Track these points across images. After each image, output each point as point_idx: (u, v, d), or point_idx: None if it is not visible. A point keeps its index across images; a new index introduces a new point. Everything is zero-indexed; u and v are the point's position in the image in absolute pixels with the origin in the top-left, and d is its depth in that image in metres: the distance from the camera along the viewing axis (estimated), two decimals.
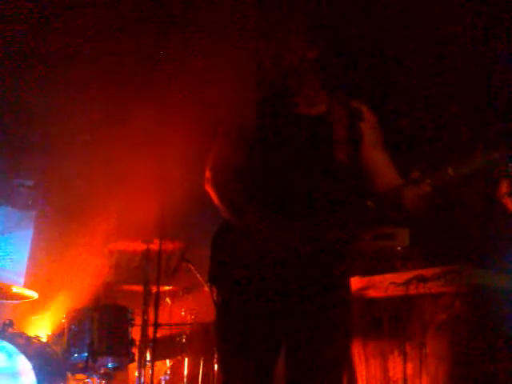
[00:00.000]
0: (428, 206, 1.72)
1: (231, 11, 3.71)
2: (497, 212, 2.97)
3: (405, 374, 2.39)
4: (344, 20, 3.50)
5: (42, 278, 4.12)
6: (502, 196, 2.92)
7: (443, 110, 3.73)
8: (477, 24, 3.47)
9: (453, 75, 3.67)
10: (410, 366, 2.41)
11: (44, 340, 3.66)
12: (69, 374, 3.47)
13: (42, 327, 4.03)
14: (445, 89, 3.71)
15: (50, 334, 3.89)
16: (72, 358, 3.43)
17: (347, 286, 1.90)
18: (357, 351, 2.67)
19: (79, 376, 3.51)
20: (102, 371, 3.45)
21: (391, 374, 2.53)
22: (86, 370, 3.40)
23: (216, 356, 3.45)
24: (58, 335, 3.66)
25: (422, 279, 2.53)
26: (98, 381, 3.45)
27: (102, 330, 3.45)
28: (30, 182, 4.27)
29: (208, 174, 1.91)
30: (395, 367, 2.50)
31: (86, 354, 3.37)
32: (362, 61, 3.68)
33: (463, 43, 3.56)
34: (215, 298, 1.91)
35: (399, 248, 3.39)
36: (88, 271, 4.16)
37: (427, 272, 2.56)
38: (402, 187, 1.73)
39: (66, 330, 3.50)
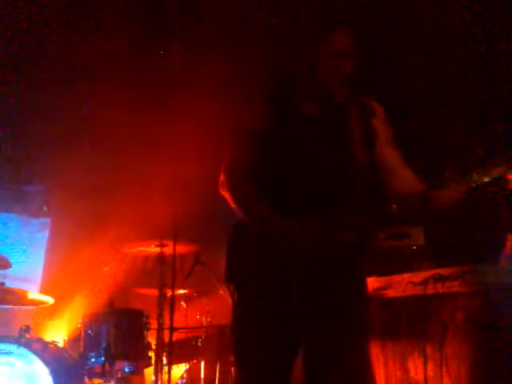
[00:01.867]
0: (455, 208, 1.71)
1: (239, 12, 3.72)
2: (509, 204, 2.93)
3: (425, 375, 2.36)
4: (355, 17, 3.49)
5: (57, 283, 4.14)
6: (509, 183, 2.88)
7: (460, 114, 3.70)
8: (478, 24, 3.43)
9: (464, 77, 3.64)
10: (430, 366, 2.38)
11: (60, 345, 3.67)
12: (86, 379, 3.48)
13: (59, 332, 4.05)
14: (459, 93, 3.69)
15: (66, 339, 3.91)
16: (89, 362, 3.44)
17: (365, 285, 1.88)
18: (376, 352, 2.65)
19: (96, 380, 3.51)
20: (119, 375, 3.45)
21: (412, 374, 2.50)
22: (103, 374, 3.39)
23: (232, 358, 3.44)
24: (74, 340, 3.67)
25: (440, 278, 2.50)
26: None
27: (118, 334, 3.46)
28: (42, 188, 4.29)
29: (223, 177, 1.91)
30: (416, 368, 2.47)
31: (102, 359, 3.37)
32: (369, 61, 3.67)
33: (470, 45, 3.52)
34: (232, 297, 1.91)
35: (414, 247, 3.36)
36: (103, 275, 4.18)
37: (445, 271, 2.53)
38: (433, 191, 1.72)
39: (82, 335, 3.51)
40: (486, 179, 1.67)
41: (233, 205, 1.88)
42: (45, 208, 4.31)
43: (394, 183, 1.85)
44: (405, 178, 1.84)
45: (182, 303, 4.12)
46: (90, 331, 3.48)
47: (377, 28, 3.66)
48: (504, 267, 2.45)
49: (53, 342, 3.57)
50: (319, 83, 1.86)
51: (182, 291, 3.94)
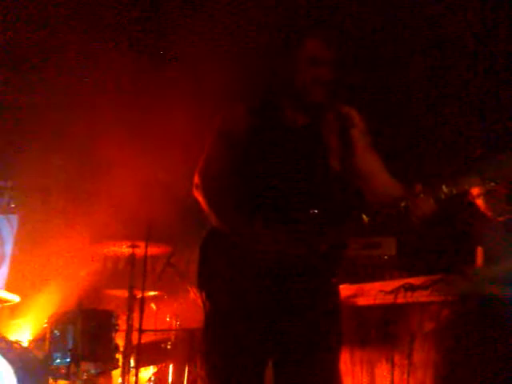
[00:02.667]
0: (429, 219, 1.73)
1: (226, 19, 3.72)
2: (478, 218, 3.00)
3: (392, 382, 2.39)
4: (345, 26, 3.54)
5: (23, 281, 4.05)
6: (474, 198, 2.95)
7: (444, 119, 3.78)
8: (477, 24, 3.50)
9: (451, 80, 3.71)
10: (397, 374, 2.41)
11: (25, 345, 3.59)
12: (51, 380, 3.41)
13: (23, 332, 3.96)
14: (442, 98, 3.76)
15: (31, 338, 3.82)
16: (54, 363, 3.38)
17: (337, 294, 1.89)
18: (344, 358, 2.67)
19: (61, 382, 3.44)
20: (85, 377, 3.39)
21: (378, 382, 2.53)
22: (69, 375, 3.34)
23: (201, 362, 3.42)
24: (39, 340, 3.59)
25: (410, 288, 2.54)
26: None
27: (86, 335, 3.40)
28: (9, 184, 4.20)
29: (197, 179, 1.90)
30: (383, 375, 2.50)
31: (68, 360, 3.32)
32: (362, 64, 3.72)
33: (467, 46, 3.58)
34: (204, 304, 1.89)
35: (386, 257, 3.41)
36: (72, 275, 4.10)
37: (415, 281, 2.57)
38: (402, 201, 1.73)
39: (47, 335, 3.44)
40: (456, 192, 1.70)
41: (205, 208, 1.87)
42: (12, 204, 4.21)
43: (373, 190, 1.86)
44: (384, 184, 1.85)
45: (152, 305, 4.08)
46: (56, 331, 3.41)
47: (376, 28, 3.71)
48: (473, 278, 2.51)
49: (17, 342, 3.49)
50: (297, 91, 1.87)
51: (152, 293, 3.90)
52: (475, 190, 2.94)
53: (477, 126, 3.55)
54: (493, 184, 1.68)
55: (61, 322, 3.44)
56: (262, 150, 1.85)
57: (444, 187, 1.70)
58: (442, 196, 1.71)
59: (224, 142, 1.90)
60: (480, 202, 2.93)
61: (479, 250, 3.02)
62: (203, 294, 1.87)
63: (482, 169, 1.68)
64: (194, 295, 3.75)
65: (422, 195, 1.71)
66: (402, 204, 1.72)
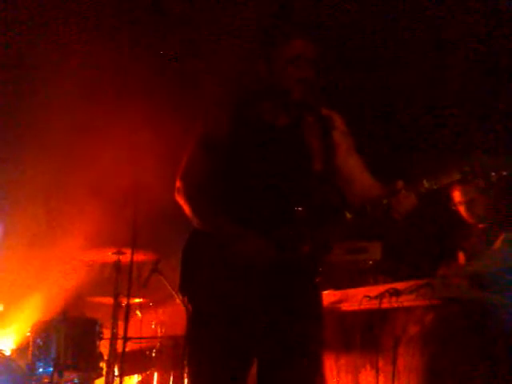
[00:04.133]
0: (411, 215, 1.73)
1: (200, 19, 3.72)
2: (458, 223, 3.02)
3: None
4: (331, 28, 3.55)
5: (7, 289, 3.99)
6: (456, 205, 2.97)
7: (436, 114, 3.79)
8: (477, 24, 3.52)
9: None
10: (381, 379, 2.40)
11: (7, 353, 3.53)
12: None
13: (6, 341, 3.90)
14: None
15: (14, 347, 3.76)
16: (37, 372, 3.33)
17: (320, 299, 1.88)
18: (329, 364, 2.65)
19: None
20: None
21: None
22: None
23: (186, 370, 3.38)
24: (22, 349, 3.54)
25: (395, 293, 2.53)
26: None
27: (69, 343, 3.36)
28: None
29: (178, 183, 1.89)
30: (367, 380, 2.49)
31: (51, 369, 3.27)
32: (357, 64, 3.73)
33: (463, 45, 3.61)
34: (186, 307, 1.88)
35: (371, 262, 3.41)
36: (56, 282, 4.06)
37: (400, 285, 2.57)
38: (383, 198, 1.74)
39: (30, 344, 3.40)
40: (436, 186, 1.70)
41: (187, 211, 1.86)
42: None
43: (353, 191, 1.86)
44: (364, 184, 1.85)
45: (137, 312, 4.04)
46: (39, 340, 3.37)
47: (376, 29, 3.73)
48: (457, 282, 2.51)
49: (0, 351, 3.43)
50: (279, 90, 1.86)
51: (137, 300, 3.87)
52: (457, 197, 2.98)
53: (473, 127, 3.56)
54: (471, 179, 1.69)
55: (44, 331, 3.39)
56: (243, 151, 1.84)
57: (425, 182, 1.71)
58: (423, 191, 1.72)
59: (204, 145, 1.89)
60: (462, 209, 2.95)
61: (460, 254, 3.04)
62: (185, 298, 1.86)
63: (462, 164, 1.69)
64: (179, 302, 3.72)
65: (403, 191, 1.71)
66: (384, 201, 1.72)
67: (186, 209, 1.85)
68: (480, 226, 2.95)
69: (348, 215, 1.74)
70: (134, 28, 3.87)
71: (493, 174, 1.67)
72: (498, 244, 2.73)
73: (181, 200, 1.88)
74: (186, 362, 3.31)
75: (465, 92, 3.65)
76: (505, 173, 1.66)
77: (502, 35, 3.44)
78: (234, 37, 3.64)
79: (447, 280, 2.50)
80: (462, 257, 3.03)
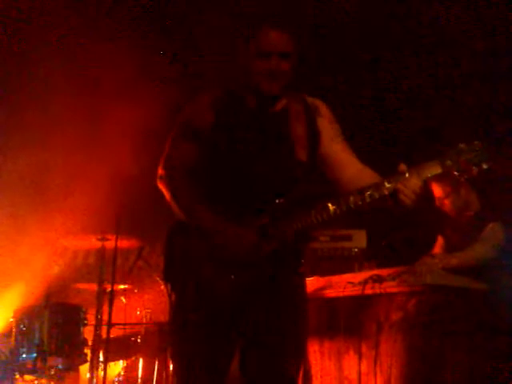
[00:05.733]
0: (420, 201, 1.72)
1: (185, 11, 3.70)
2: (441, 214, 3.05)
3: (359, 372, 2.41)
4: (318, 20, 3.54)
5: None
6: (438, 200, 2.99)
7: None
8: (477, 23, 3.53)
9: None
10: (364, 364, 2.44)
11: None
12: (17, 375, 3.35)
13: None
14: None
15: None
16: (20, 358, 3.32)
17: (304, 288, 1.89)
18: (313, 349, 2.68)
19: (28, 377, 3.38)
20: (52, 372, 3.34)
21: (346, 372, 2.55)
22: (35, 370, 3.29)
23: (171, 355, 3.39)
24: (5, 334, 3.52)
25: (378, 279, 2.56)
26: (48, 382, 3.33)
27: (53, 329, 3.35)
28: None
29: (161, 170, 1.88)
30: (350, 366, 2.52)
31: (35, 355, 3.26)
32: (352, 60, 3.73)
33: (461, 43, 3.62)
34: (169, 295, 1.88)
35: (356, 249, 3.43)
36: (39, 268, 4.03)
37: (383, 272, 2.59)
38: (365, 190, 1.72)
39: (14, 329, 3.38)
40: (424, 178, 1.69)
41: (168, 199, 1.85)
42: None
43: (346, 181, 1.84)
44: (357, 174, 1.84)
45: (122, 298, 4.03)
46: (22, 326, 3.35)
47: (373, 29, 3.72)
48: (439, 268, 2.54)
49: None
50: (252, 82, 1.84)
51: (122, 286, 3.86)
52: (437, 193, 3.00)
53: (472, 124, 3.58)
54: (452, 172, 1.70)
55: (27, 317, 3.38)
56: (226, 139, 1.83)
57: (407, 175, 1.69)
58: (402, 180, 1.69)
59: (186, 134, 1.88)
60: (442, 203, 2.98)
61: (439, 239, 3.07)
62: (169, 286, 1.86)
63: (443, 158, 1.70)
64: (164, 289, 3.72)
65: (407, 174, 1.69)
66: (387, 185, 1.70)
67: (168, 196, 1.85)
68: (461, 219, 2.97)
69: (331, 206, 1.73)
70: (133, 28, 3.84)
71: (474, 167, 1.68)
72: (486, 233, 2.76)
73: (163, 188, 1.87)
74: (170, 349, 3.32)
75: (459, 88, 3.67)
76: (485, 166, 1.67)
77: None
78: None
79: (428, 267, 2.54)
80: (440, 239, 3.07)
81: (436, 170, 1.70)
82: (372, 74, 3.90)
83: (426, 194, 1.73)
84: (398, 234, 3.58)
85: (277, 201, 1.77)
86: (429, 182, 1.83)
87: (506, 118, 3.49)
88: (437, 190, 2.97)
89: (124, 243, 3.67)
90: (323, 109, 1.93)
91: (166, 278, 1.87)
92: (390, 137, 3.99)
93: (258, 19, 1.86)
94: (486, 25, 3.52)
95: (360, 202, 1.71)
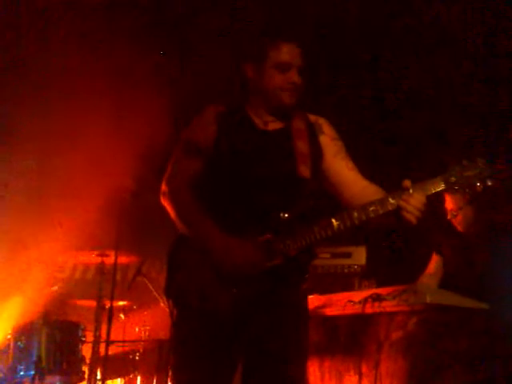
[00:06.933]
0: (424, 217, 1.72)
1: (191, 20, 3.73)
2: (448, 230, 3.04)
3: None
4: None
5: None
6: (449, 213, 2.99)
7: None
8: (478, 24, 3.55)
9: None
10: (365, 383, 2.42)
11: None
12: None
13: None
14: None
15: None
16: (17, 375, 3.31)
17: (306, 303, 1.89)
18: (313, 369, 2.66)
19: None
20: None
21: None
22: None
23: (170, 374, 3.37)
24: (2, 352, 3.49)
25: (378, 298, 2.54)
26: None
27: (51, 346, 3.33)
28: None
29: (164, 186, 1.88)
30: None
31: (32, 372, 3.24)
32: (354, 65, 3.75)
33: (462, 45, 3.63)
34: (171, 312, 1.87)
35: (356, 266, 3.43)
36: (38, 284, 4.01)
37: (383, 291, 2.58)
38: (389, 198, 1.72)
39: (11, 346, 3.36)
40: (428, 193, 1.69)
41: (172, 215, 1.85)
42: None
43: (350, 198, 1.85)
44: (357, 188, 1.85)
45: (121, 315, 4.01)
46: (20, 343, 3.34)
47: (374, 31, 3.75)
48: (438, 288, 2.53)
49: None
50: (267, 95, 1.87)
51: (121, 303, 3.84)
52: (449, 205, 2.99)
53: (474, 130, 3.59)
54: (456, 189, 1.70)
55: (25, 334, 3.36)
56: (230, 155, 1.84)
57: (411, 190, 1.70)
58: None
59: (188, 150, 1.89)
60: (453, 217, 2.97)
61: (434, 258, 3.07)
62: (171, 302, 1.85)
63: (447, 174, 1.70)
64: (164, 305, 3.71)
65: (411, 190, 1.70)
66: (392, 201, 1.70)
67: (171, 212, 1.85)
68: (470, 231, 2.97)
69: (335, 222, 1.74)
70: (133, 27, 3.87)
71: (478, 184, 1.68)
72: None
73: (166, 204, 1.87)
74: (170, 367, 3.29)
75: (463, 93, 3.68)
76: (490, 183, 1.68)
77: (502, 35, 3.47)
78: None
79: (427, 286, 2.53)
80: (434, 258, 3.06)
81: (440, 186, 1.71)
82: (372, 73, 3.91)
83: (429, 210, 1.73)
84: (397, 251, 3.58)
85: (281, 215, 1.76)
86: (443, 194, 1.83)
87: (507, 117, 3.50)
88: (450, 203, 2.96)
89: (123, 259, 3.66)
90: (325, 126, 1.94)
91: (168, 294, 1.85)
92: (390, 137, 3.99)
93: (274, 32, 1.89)
94: (486, 24, 3.55)
95: (364, 218, 1.72)
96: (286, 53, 1.83)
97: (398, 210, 1.70)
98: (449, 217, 2.98)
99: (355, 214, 1.72)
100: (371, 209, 1.72)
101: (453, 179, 1.69)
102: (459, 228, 2.99)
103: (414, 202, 1.68)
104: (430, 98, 3.83)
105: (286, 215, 1.77)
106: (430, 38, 3.73)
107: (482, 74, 3.61)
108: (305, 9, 3.62)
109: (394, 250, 3.70)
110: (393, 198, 1.71)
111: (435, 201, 1.77)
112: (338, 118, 2.03)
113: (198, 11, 3.82)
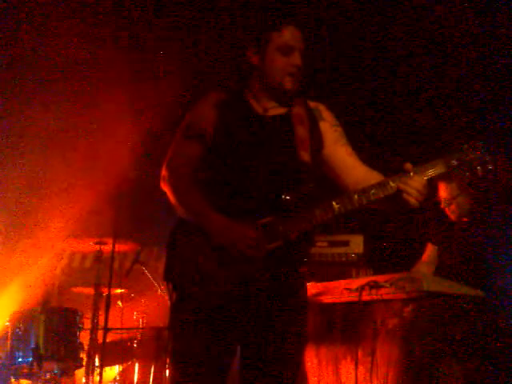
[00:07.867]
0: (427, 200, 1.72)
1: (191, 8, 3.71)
2: (441, 218, 3.05)
3: (356, 379, 2.40)
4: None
5: None
6: (442, 202, 2.99)
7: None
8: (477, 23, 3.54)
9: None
10: (361, 370, 2.43)
11: None
12: (12, 379, 3.33)
13: None
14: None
15: None
16: (16, 362, 3.30)
17: (305, 290, 1.89)
18: (310, 355, 2.67)
19: (23, 381, 3.37)
20: (48, 377, 3.33)
21: (343, 379, 2.54)
22: (31, 375, 3.27)
23: (168, 361, 3.39)
24: (1, 338, 3.50)
25: (375, 285, 2.55)
26: None
27: (49, 333, 3.33)
28: None
29: (164, 171, 1.88)
30: (347, 372, 2.51)
31: (30, 359, 3.25)
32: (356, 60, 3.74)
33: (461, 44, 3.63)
34: (170, 297, 1.87)
35: (353, 255, 3.44)
36: (36, 271, 4.02)
37: (380, 278, 2.59)
38: (369, 189, 1.73)
39: (9, 333, 3.37)
40: (427, 177, 1.69)
41: (172, 199, 1.85)
42: None
43: (350, 183, 1.85)
44: (363, 176, 1.84)
45: (119, 303, 4.02)
46: (18, 330, 3.34)
47: (375, 26, 3.73)
48: (435, 276, 2.54)
49: None
50: (268, 79, 1.86)
51: (119, 290, 3.85)
52: (442, 194, 3.00)
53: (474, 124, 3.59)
54: (457, 171, 1.70)
55: (23, 320, 3.36)
56: (230, 139, 1.84)
57: (411, 174, 1.70)
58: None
59: (189, 133, 1.89)
60: (446, 205, 2.98)
61: (429, 247, 3.08)
62: (170, 285, 1.85)
63: (449, 158, 1.70)
64: (161, 293, 3.72)
65: (411, 173, 1.70)
66: (393, 184, 1.70)
67: (171, 196, 1.85)
68: (464, 219, 2.98)
69: (335, 205, 1.73)
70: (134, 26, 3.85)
71: (478, 168, 1.68)
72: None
73: (166, 188, 1.87)
74: (168, 352, 3.31)
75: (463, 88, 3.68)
76: (490, 167, 1.68)
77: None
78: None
79: (423, 274, 2.54)
80: (429, 247, 3.07)
81: (441, 169, 1.71)
82: (372, 73, 3.90)
83: (430, 193, 1.73)
84: (393, 238, 3.59)
85: (282, 197, 1.76)
86: (436, 183, 1.84)
87: (507, 118, 3.50)
88: (444, 192, 2.97)
89: (121, 247, 3.66)
90: (325, 112, 1.94)
91: (167, 278, 1.85)
92: (390, 137, 4.00)
93: (278, 15, 1.88)
94: (487, 24, 3.54)
95: (364, 201, 1.72)
96: (289, 35, 1.83)
97: (400, 193, 1.70)
98: (442, 206, 2.99)
99: (355, 197, 1.73)
100: (372, 192, 1.72)
101: (454, 162, 1.70)
102: (453, 217, 3.00)
103: (414, 184, 1.69)
104: (430, 97, 3.83)
105: (288, 197, 1.76)
106: (431, 37, 3.73)
107: (482, 74, 3.61)
108: (304, 8, 3.61)
109: (391, 239, 3.71)
110: (393, 182, 1.71)
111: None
112: (337, 108, 2.02)
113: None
